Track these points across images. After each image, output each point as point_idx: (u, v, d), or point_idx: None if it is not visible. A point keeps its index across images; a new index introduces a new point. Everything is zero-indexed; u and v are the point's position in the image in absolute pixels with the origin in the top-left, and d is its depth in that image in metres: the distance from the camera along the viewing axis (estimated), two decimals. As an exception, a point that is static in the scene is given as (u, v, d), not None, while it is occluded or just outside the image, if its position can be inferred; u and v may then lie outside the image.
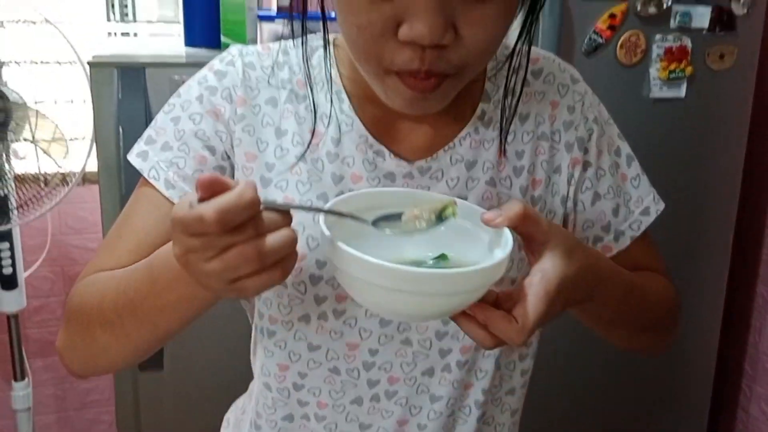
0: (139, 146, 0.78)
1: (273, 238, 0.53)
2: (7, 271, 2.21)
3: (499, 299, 0.63)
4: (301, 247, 0.77)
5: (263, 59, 0.80)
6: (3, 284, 2.21)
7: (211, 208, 0.50)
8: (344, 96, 0.78)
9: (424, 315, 0.65)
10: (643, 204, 0.87)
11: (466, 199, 0.76)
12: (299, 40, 0.79)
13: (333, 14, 0.69)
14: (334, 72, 0.79)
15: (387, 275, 0.56)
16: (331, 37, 0.79)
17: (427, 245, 0.68)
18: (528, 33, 0.73)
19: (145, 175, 0.76)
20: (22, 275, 2.26)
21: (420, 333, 0.80)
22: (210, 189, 0.52)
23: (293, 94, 0.78)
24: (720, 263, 2.16)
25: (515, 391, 0.89)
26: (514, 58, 0.77)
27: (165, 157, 0.76)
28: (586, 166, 0.84)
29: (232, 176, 0.78)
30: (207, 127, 0.76)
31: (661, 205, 0.88)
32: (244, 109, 0.77)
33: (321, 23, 0.76)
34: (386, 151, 0.77)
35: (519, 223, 0.62)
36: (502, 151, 0.79)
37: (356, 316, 0.79)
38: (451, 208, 0.64)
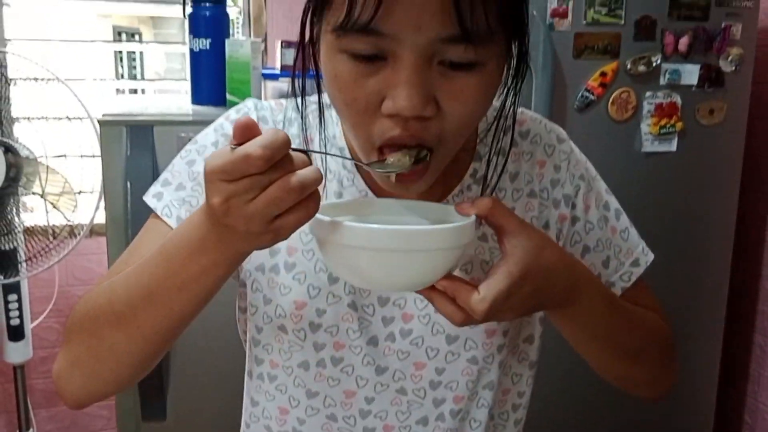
0: (155, 188, 0.83)
1: (306, 171, 0.58)
2: (15, 322, 2.25)
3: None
4: (302, 295, 0.81)
5: (275, 114, 0.85)
6: (10, 335, 2.25)
7: (255, 145, 0.54)
8: (347, 153, 0.82)
9: (392, 280, 0.68)
10: (633, 256, 0.90)
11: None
12: (307, 98, 0.83)
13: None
14: (338, 130, 0.84)
15: (374, 236, 0.62)
16: None
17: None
18: (514, 97, 0.76)
19: (158, 212, 0.80)
20: (29, 326, 2.30)
21: (414, 382, 0.84)
22: (246, 133, 0.56)
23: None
24: (716, 315, 2.18)
25: None
26: (501, 119, 0.81)
27: (178, 195, 0.81)
28: (574, 221, 0.87)
29: None
30: None
31: (651, 256, 0.91)
32: None
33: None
34: None
35: (488, 213, 0.67)
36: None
37: (353, 364, 0.82)
38: (425, 151, 0.68)
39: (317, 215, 0.62)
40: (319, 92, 0.79)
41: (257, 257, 0.83)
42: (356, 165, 0.82)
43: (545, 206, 0.86)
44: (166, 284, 0.67)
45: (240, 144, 0.56)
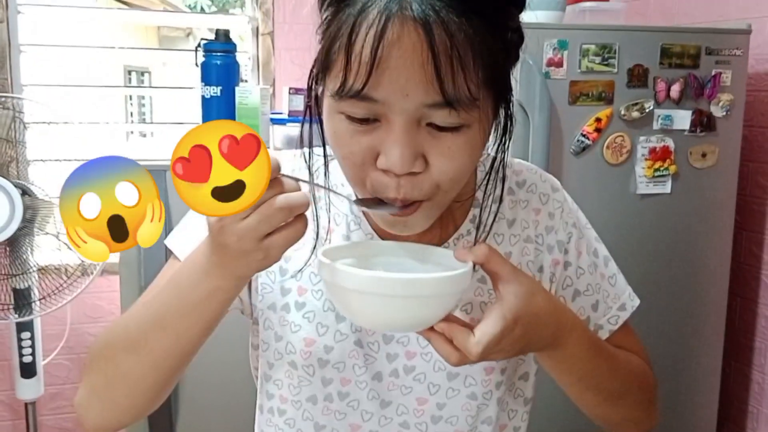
0: (174, 233, 0.90)
1: (295, 194, 0.65)
2: (27, 359, 2.30)
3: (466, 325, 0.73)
4: (311, 333, 0.87)
5: (286, 165, 0.91)
6: (23, 372, 2.30)
7: (280, 199, 0.64)
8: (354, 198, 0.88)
9: (394, 322, 0.74)
10: (620, 300, 0.95)
11: None
12: (315, 149, 0.88)
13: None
14: (345, 180, 0.90)
15: (377, 283, 0.68)
16: None
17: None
18: (503, 153, 0.82)
19: (176, 253, 0.87)
20: (41, 363, 2.35)
21: (417, 416, 0.89)
22: None
23: (311, 195, 0.88)
24: (714, 352, 2.23)
25: None
26: (492, 172, 0.87)
27: (195, 236, 0.86)
28: (566, 265, 0.93)
29: None
30: None
31: (637, 302, 0.97)
32: None
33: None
34: None
35: (485, 260, 0.73)
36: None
37: (359, 398, 0.88)
38: None
39: (322, 258, 0.69)
40: (324, 144, 0.85)
41: (270, 297, 0.89)
42: (363, 210, 0.89)
43: (540, 251, 0.92)
44: (175, 309, 0.74)
45: None
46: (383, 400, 0.88)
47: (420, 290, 0.69)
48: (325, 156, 0.89)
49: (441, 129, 0.70)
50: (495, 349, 0.71)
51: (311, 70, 0.76)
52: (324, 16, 0.73)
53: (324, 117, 0.75)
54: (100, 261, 0.69)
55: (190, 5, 6.50)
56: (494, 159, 0.84)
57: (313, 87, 0.76)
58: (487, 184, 0.88)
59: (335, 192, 0.81)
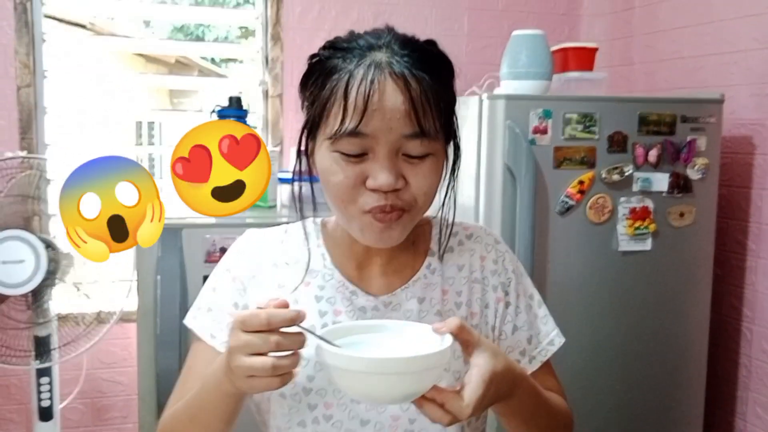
0: (192, 312, 1.09)
1: (284, 360, 0.82)
2: (45, 403, 2.43)
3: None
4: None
5: (269, 235, 1.11)
6: (41, 416, 2.42)
7: (263, 310, 0.81)
8: (327, 256, 1.07)
9: (393, 395, 0.83)
10: (549, 337, 1.12)
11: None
12: (300, 223, 1.08)
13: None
14: (321, 241, 1.09)
15: (366, 363, 0.78)
16: (318, 219, 1.11)
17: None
18: (454, 181, 1.02)
19: (198, 334, 1.07)
20: (58, 407, 2.47)
21: (392, 431, 1.02)
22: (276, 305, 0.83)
23: (291, 258, 1.08)
24: (695, 401, 2.34)
25: None
26: (445, 220, 1.07)
27: (209, 317, 1.07)
28: (507, 304, 1.10)
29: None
30: (232, 291, 1.07)
31: (563, 339, 1.14)
32: (256, 274, 1.07)
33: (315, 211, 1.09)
34: (359, 291, 1.04)
35: (458, 331, 0.87)
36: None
37: (341, 419, 1.02)
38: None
39: (321, 344, 0.83)
40: (302, 214, 1.06)
41: None
42: (334, 263, 1.06)
43: (486, 290, 1.09)
44: (199, 404, 0.97)
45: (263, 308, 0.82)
46: (362, 419, 1.02)
47: (417, 366, 0.80)
48: (303, 220, 1.08)
49: (413, 157, 0.93)
50: (479, 407, 0.86)
51: (302, 131, 0.98)
52: (309, 90, 0.96)
53: (318, 161, 0.95)
54: (101, 261, 0.75)
55: (204, 57, 6.73)
56: (444, 201, 1.05)
57: (307, 144, 0.98)
58: (440, 235, 1.09)
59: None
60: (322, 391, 1.02)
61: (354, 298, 1.04)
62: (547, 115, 2.08)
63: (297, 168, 1.00)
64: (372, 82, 0.89)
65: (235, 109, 2.28)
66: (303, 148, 0.99)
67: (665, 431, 2.33)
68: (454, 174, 1.02)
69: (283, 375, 0.83)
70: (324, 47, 0.97)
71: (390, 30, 0.97)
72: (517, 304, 1.11)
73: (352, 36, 0.97)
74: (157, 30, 7.31)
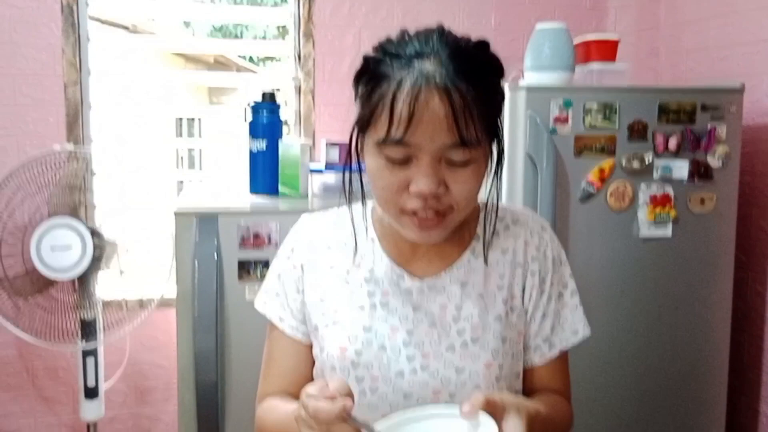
0: (261, 297, 1.20)
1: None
2: (91, 383, 2.56)
3: None
4: (344, 342, 1.10)
5: (323, 221, 1.19)
6: (86, 394, 2.56)
7: (311, 405, 0.87)
8: (376, 240, 1.15)
9: None
10: (574, 327, 1.16)
11: (462, 306, 1.10)
12: (352, 205, 1.15)
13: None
14: (370, 225, 1.17)
15: None
16: (369, 204, 1.18)
17: None
18: (498, 182, 1.07)
19: (272, 320, 1.18)
20: (103, 387, 2.61)
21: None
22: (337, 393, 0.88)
23: (342, 241, 1.16)
24: (718, 389, 2.37)
25: None
26: (490, 211, 1.12)
27: (277, 301, 1.18)
28: (541, 292, 1.15)
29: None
30: (293, 277, 1.16)
31: (588, 331, 1.18)
32: (311, 258, 1.16)
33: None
34: (406, 274, 1.11)
35: (486, 404, 0.89)
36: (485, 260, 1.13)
37: (386, 392, 1.07)
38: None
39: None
40: (364, 199, 1.14)
41: (312, 320, 1.15)
42: (383, 247, 1.14)
43: (526, 276, 1.14)
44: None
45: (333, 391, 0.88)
46: (405, 393, 1.09)
47: None
48: (364, 207, 1.16)
49: (455, 164, 0.97)
50: None
51: (353, 127, 1.04)
52: (361, 89, 1.01)
53: (367, 160, 1.02)
54: None
55: (242, 55, 6.87)
56: (489, 197, 1.10)
57: (357, 138, 1.04)
58: (485, 220, 1.15)
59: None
60: (369, 365, 1.09)
61: (401, 282, 1.11)
62: (567, 105, 2.14)
63: (347, 159, 1.06)
64: (417, 94, 0.93)
65: (268, 104, 2.38)
66: (354, 143, 1.04)
67: (688, 418, 2.36)
68: (497, 173, 1.06)
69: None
70: (375, 48, 1.01)
71: (441, 33, 1.00)
72: (550, 293, 1.15)
73: (403, 39, 1.00)
74: (196, 31, 7.49)
